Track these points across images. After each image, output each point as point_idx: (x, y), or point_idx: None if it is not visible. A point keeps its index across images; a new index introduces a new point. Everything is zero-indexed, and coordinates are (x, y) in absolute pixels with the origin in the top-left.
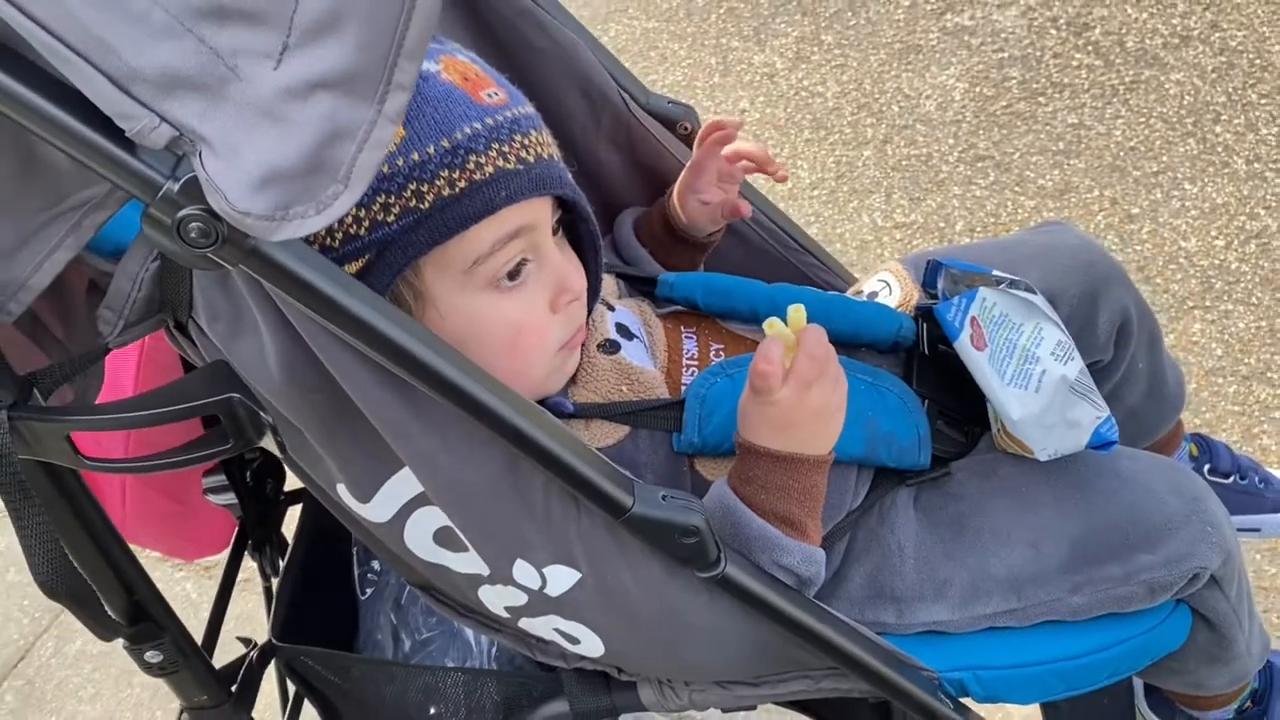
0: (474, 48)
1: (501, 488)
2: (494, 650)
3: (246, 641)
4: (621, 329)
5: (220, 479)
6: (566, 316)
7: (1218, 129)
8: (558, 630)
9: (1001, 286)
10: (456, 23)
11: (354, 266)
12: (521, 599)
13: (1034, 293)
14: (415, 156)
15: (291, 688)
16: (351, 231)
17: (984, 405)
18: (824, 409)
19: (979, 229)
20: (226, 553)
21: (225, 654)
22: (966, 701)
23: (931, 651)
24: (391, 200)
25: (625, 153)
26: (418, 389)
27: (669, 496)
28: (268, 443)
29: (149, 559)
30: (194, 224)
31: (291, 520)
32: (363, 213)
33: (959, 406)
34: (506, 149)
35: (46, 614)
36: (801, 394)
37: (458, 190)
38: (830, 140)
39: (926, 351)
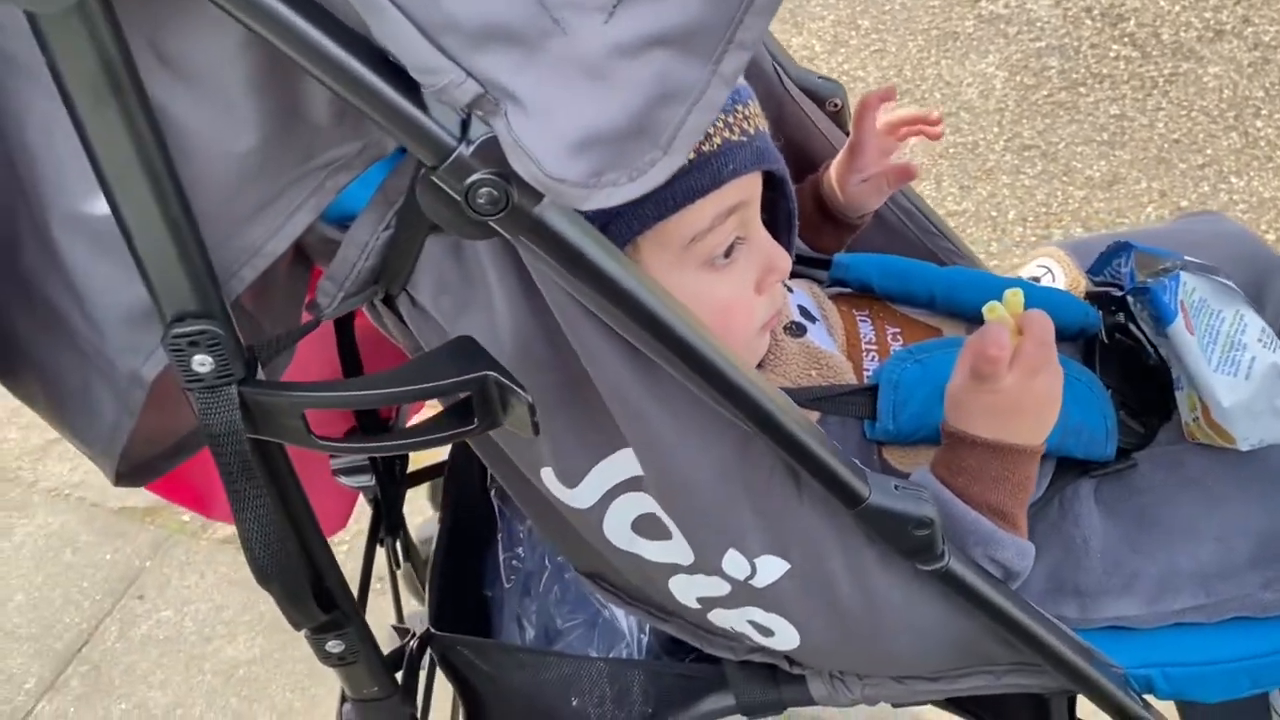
0: None
1: (729, 472)
2: (646, 640)
3: (403, 631)
4: (804, 311)
5: (355, 460)
6: (770, 297)
7: (1259, 123)
8: (752, 622)
9: (1199, 271)
10: None
11: None
12: (723, 589)
13: (1228, 278)
14: None
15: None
16: None
17: (1164, 396)
18: (1048, 397)
19: (1031, 218)
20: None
21: None
22: (1148, 698)
23: (1117, 647)
24: None
25: (774, 128)
26: (660, 370)
27: (901, 487)
28: (515, 422)
29: None
30: (484, 189)
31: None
32: None
33: (1137, 397)
34: (731, 120)
35: (108, 597)
36: (1027, 382)
37: (689, 161)
38: None
39: (1106, 340)
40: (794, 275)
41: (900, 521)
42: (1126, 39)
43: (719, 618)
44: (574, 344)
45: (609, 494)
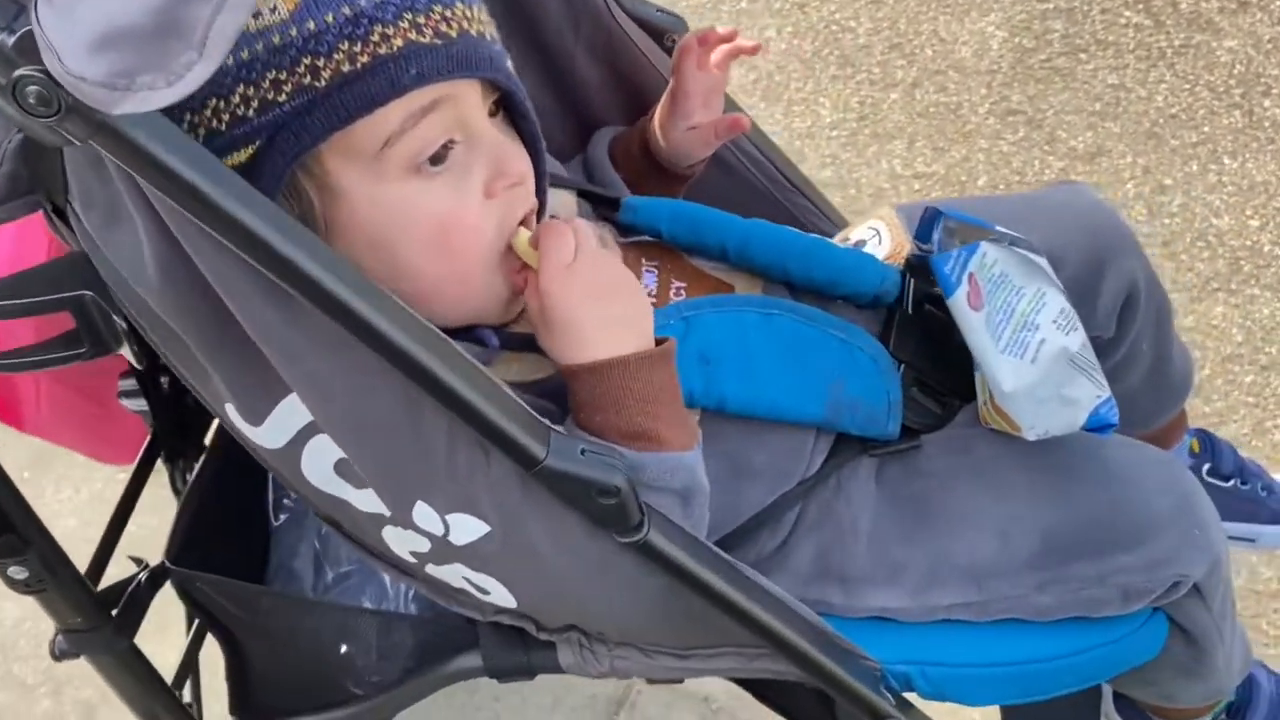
0: None
1: (400, 424)
2: (410, 592)
3: (138, 561)
4: None
5: (133, 382)
6: (507, 203)
7: (1267, 103)
8: (466, 579)
9: (1002, 242)
10: None
11: (244, 154)
12: (424, 545)
13: (1038, 253)
14: (311, 25)
15: None
16: (239, 113)
17: (968, 375)
18: (594, 289)
19: (1002, 186)
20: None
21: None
22: (912, 697)
23: (879, 640)
24: (283, 77)
25: (605, 64)
26: (308, 307)
27: (589, 450)
28: (126, 353)
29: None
30: (31, 87)
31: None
32: (251, 91)
33: (939, 374)
34: (422, 20)
35: None
36: (564, 284)
37: (359, 66)
38: (857, 79)
39: (910, 311)
40: (591, 217)
41: (583, 487)
42: (1141, 5)
43: (436, 573)
44: (205, 273)
45: (301, 434)
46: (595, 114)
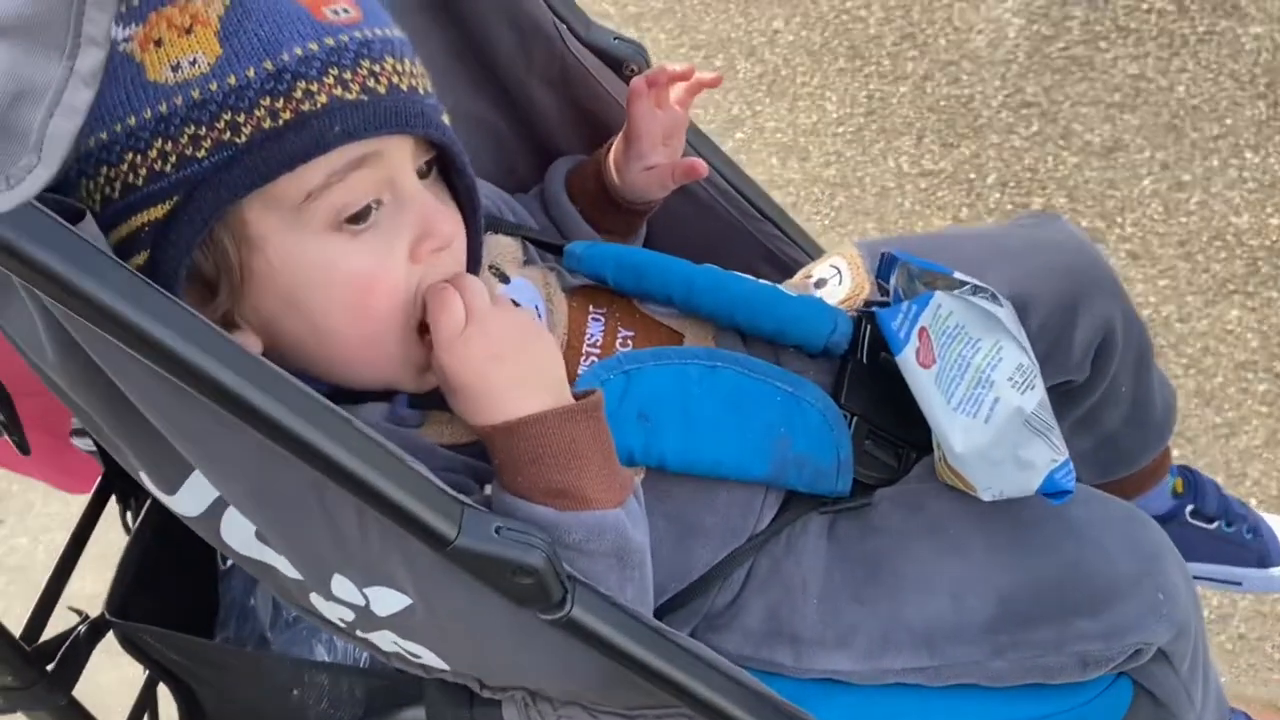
0: None
1: (306, 502)
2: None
3: (79, 613)
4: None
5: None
6: (430, 268)
7: None
8: (396, 644)
9: (962, 292)
10: None
11: (160, 210)
12: (349, 614)
13: (1000, 303)
14: (232, 81)
15: None
16: (157, 168)
17: (925, 426)
18: (494, 349)
19: (1012, 184)
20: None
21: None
22: None
23: (828, 703)
24: (202, 132)
25: (561, 93)
26: None
27: (504, 529)
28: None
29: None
30: None
31: None
32: (169, 146)
33: (894, 425)
34: (348, 76)
35: None
36: (460, 353)
37: (281, 122)
38: (865, 72)
39: (865, 359)
40: (539, 261)
41: (497, 567)
42: None
43: (368, 637)
44: (96, 359)
45: (217, 503)
46: (555, 144)
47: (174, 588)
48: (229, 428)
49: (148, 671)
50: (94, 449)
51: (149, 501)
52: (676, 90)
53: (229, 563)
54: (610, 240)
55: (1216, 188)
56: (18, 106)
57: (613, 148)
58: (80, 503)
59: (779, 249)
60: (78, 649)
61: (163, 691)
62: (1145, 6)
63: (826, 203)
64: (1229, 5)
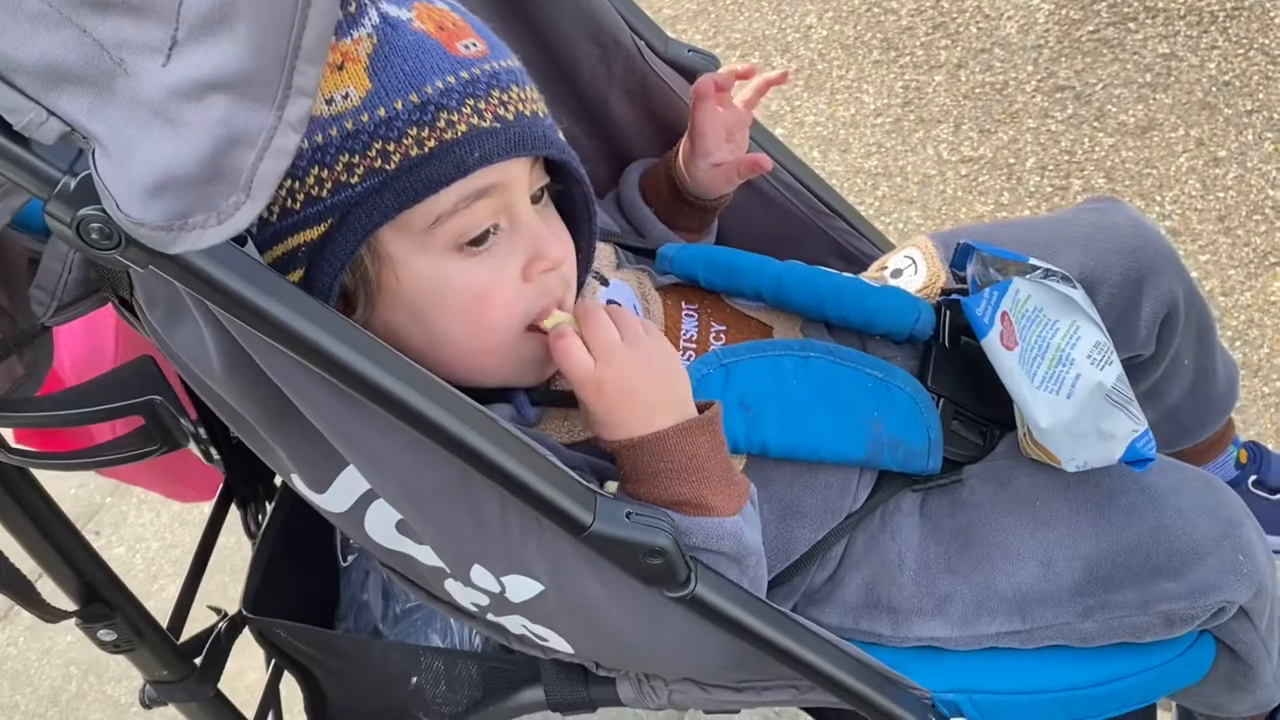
0: None
1: (454, 495)
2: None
3: (217, 611)
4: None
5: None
6: (540, 287)
7: None
8: (525, 627)
9: (1036, 276)
10: None
11: (316, 231)
12: (484, 599)
13: (1074, 285)
14: (382, 113)
15: None
16: (314, 193)
17: (1008, 404)
18: (636, 378)
19: (1050, 167)
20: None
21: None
22: None
23: (927, 668)
24: (355, 160)
25: (639, 105)
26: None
27: (635, 514)
28: (194, 448)
29: None
30: (94, 225)
31: None
32: (325, 174)
33: (979, 406)
34: (483, 105)
35: None
36: (606, 371)
37: (427, 150)
38: (900, 63)
39: (947, 344)
40: (631, 264)
41: (629, 549)
42: None
43: (498, 621)
44: (265, 369)
45: (363, 499)
46: (632, 151)
47: (297, 586)
48: (387, 429)
49: (269, 675)
50: (216, 458)
51: (271, 508)
52: (745, 90)
53: (349, 561)
54: (686, 238)
55: (1252, 161)
56: (231, 152)
57: (680, 148)
58: (170, 514)
59: (848, 243)
60: (219, 644)
61: (284, 689)
62: None
63: (870, 193)
64: None
